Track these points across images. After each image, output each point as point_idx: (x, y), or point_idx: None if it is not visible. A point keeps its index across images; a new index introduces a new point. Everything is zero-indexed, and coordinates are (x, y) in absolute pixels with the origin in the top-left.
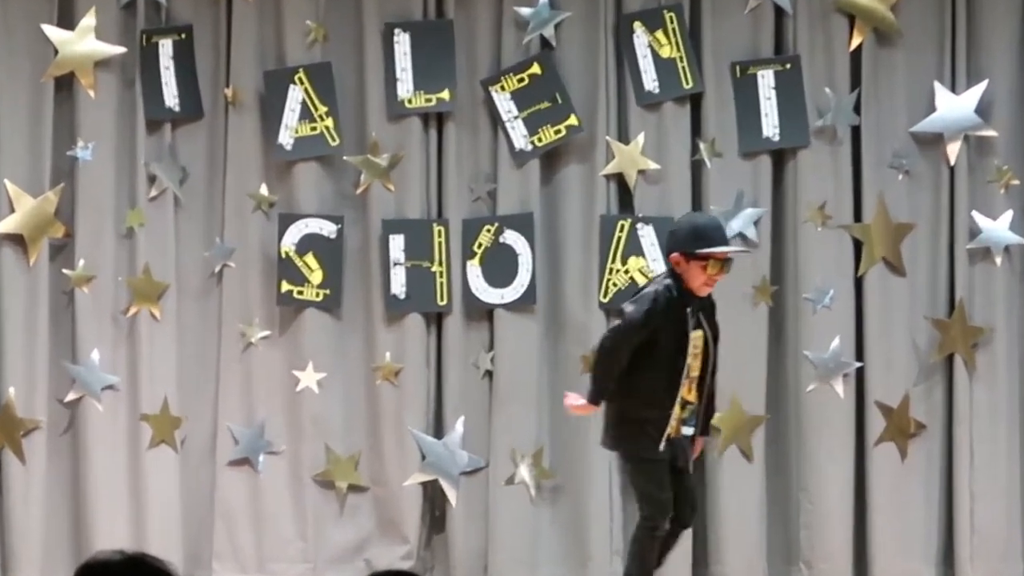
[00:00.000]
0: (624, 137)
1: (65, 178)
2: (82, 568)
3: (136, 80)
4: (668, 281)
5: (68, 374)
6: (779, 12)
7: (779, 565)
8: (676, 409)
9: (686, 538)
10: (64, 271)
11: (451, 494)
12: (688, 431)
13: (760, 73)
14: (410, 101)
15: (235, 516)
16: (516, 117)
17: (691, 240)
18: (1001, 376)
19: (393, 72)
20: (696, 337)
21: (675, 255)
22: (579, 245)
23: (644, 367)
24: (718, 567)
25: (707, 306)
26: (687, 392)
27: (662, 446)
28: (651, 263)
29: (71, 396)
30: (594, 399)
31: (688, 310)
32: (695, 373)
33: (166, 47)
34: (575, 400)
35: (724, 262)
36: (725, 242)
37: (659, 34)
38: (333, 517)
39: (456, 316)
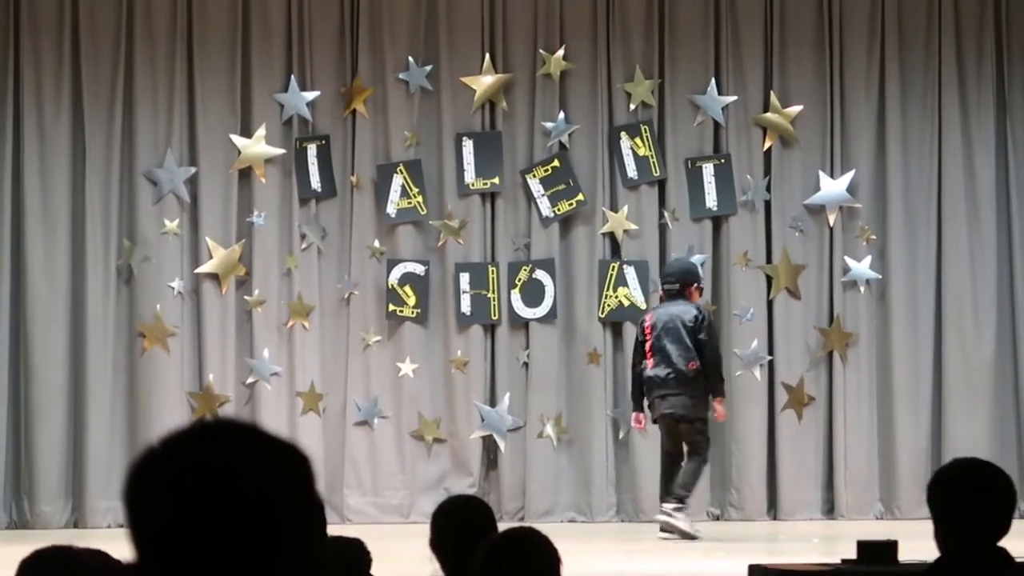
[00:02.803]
0: (615, 208)
1: (245, 236)
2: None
3: (292, 171)
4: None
5: (248, 365)
6: (716, 125)
7: (719, 491)
8: None
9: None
10: (245, 297)
11: (501, 444)
12: None
13: (704, 165)
14: (473, 184)
15: (358, 459)
16: (543, 195)
17: (698, 277)
18: (864, 366)
19: (462, 165)
20: None
21: (699, 287)
22: (585, 280)
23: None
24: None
25: None
26: None
27: None
28: (632, 292)
29: (250, 380)
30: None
31: None
32: None
33: (312, 149)
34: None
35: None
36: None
37: (637, 140)
38: (423, 459)
39: (504, 327)
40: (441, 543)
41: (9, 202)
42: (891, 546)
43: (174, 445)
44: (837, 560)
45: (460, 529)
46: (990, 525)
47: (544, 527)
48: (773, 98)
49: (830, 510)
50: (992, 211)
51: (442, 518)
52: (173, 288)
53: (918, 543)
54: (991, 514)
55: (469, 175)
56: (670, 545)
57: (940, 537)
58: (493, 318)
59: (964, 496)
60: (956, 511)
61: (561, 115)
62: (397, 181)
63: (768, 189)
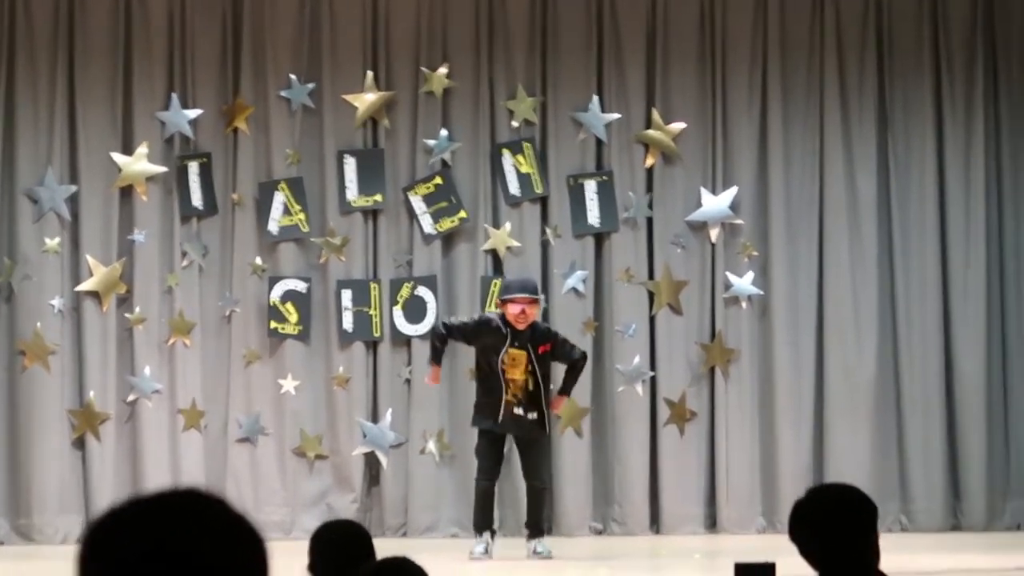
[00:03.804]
0: (497, 224)
1: (126, 254)
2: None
3: (173, 189)
4: (496, 314)
5: (128, 383)
6: (599, 142)
7: (601, 506)
8: (503, 399)
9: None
10: (126, 315)
11: (383, 460)
12: (520, 412)
13: (586, 182)
14: (355, 202)
15: (240, 476)
16: (425, 212)
17: (502, 292)
18: (745, 382)
19: (344, 182)
20: (516, 354)
21: (499, 300)
22: (467, 296)
23: (478, 374)
24: (560, 507)
25: (539, 335)
26: (515, 389)
27: (498, 421)
28: None
29: (131, 397)
30: (431, 361)
31: (504, 334)
32: (517, 377)
33: (193, 167)
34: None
35: (523, 305)
36: (521, 293)
37: (520, 156)
38: (305, 476)
39: (386, 343)
40: (319, 568)
41: None
42: (769, 568)
43: (137, 513)
44: None
45: (337, 555)
46: (856, 542)
47: (426, 543)
48: (655, 115)
49: (712, 524)
50: (873, 226)
51: (320, 543)
52: (53, 306)
53: (798, 559)
54: (854, 532)
55: (351, 192)
56: (551, 563)
57: (815, 563)
58: (375, 335)
59: (825, 522)
60: (821, 539)
61: (443, 132)
62: (279, 198)
63: (650, 206)
